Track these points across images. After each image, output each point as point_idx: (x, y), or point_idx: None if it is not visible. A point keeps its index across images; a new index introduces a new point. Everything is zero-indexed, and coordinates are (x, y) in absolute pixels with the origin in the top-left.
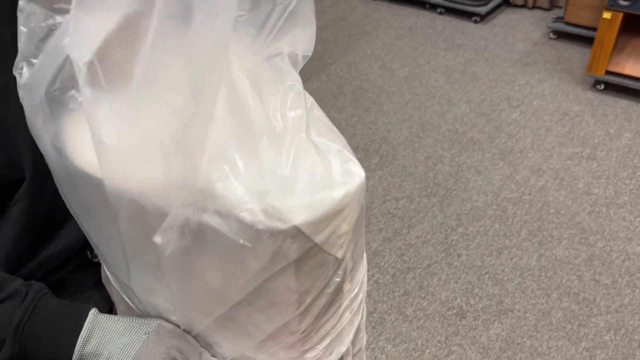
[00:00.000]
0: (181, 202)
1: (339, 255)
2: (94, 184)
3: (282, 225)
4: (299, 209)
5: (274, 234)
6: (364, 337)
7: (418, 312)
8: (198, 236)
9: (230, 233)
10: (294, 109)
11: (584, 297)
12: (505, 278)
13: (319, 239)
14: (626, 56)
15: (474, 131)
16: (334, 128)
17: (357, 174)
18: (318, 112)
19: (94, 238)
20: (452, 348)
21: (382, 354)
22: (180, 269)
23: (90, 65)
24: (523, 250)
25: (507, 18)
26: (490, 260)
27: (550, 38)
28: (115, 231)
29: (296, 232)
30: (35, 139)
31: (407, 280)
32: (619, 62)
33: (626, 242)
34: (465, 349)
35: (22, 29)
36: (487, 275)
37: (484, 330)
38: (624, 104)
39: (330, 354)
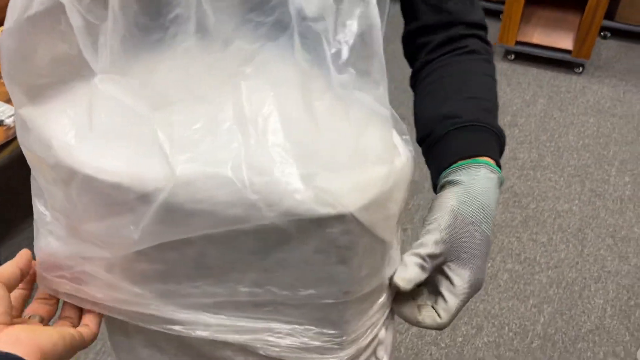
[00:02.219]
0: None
1: (388, 238)
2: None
3: (332, 211)
4: (349, 191)
5: (323, 220)
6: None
7: None
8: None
9: (273, 219)
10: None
11: (525, 257)
12: None
13: (370, 222)
14: (533, 27)
15: (402, 109)
16: None
17: (405, 149)
18: None
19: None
20: None
21: None
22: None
23: None
24: None
25: None
26: None
27: None
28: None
29: (347, 217)
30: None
31: None
32: (526, 32)
33: (555, 201)
34: None
35: None
36: None
37: None
38: (534, 71)
39: (369, 338)
